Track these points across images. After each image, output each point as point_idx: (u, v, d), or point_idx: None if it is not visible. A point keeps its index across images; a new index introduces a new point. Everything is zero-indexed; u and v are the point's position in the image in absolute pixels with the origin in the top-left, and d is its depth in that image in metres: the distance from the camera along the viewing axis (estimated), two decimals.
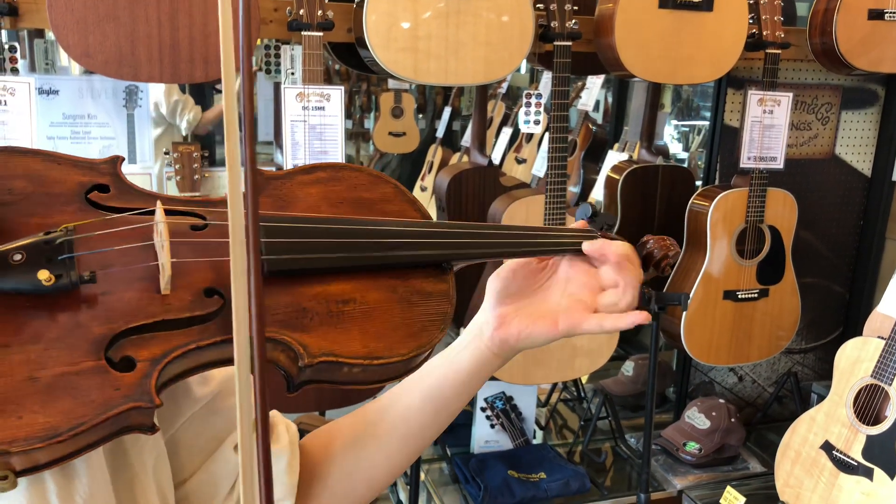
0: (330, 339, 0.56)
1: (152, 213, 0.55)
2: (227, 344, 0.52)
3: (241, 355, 0.37)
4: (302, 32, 1.63)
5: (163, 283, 0.52)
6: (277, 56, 1.99)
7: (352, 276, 0.59)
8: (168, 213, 0.55)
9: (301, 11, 1.62)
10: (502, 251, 0.70)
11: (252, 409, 0.38)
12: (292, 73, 1.80)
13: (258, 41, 2.05)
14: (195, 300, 0.53)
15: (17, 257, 0.48)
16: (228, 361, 0.54)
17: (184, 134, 3.46)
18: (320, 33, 1.64)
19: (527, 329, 0.70)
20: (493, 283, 0.72)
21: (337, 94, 1.67)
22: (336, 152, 1.70)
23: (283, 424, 0.73)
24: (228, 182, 0.37)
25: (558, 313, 0.70)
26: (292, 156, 1.64)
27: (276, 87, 2.11)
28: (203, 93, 3.42)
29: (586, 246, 0.70)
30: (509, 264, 0.72)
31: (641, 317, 0.68)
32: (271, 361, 0.56)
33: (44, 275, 0.48)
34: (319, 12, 1.63)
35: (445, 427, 0.75)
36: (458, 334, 0.76)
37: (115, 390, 0.48)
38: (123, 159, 0.59)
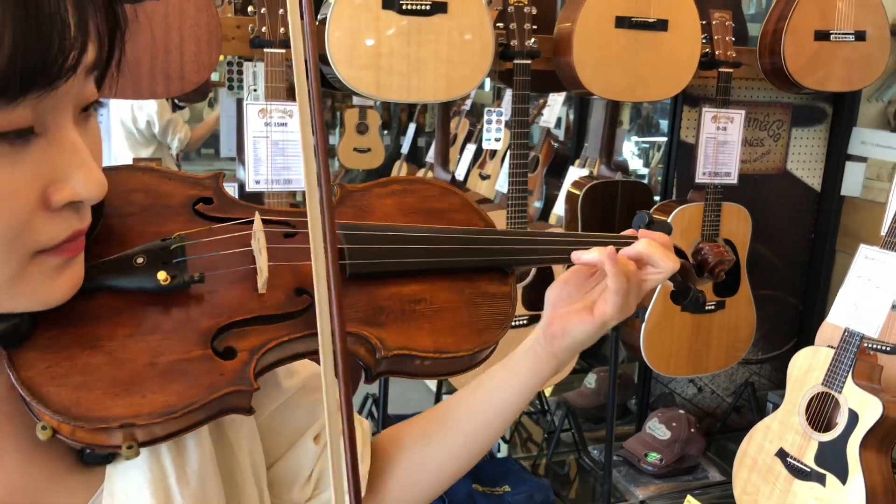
0: (404, 334, 0.63)
1: (250, 222, 0.62)
2: (313, 337, 0.59)
3: (326, 347, 0.43)
4: (264, 49, 1.64)
5: (260, 283, 0.59)
6: (240, 73, 1.99)
7: (423, 279, 0.66)
8: (264, 222, 0.62)
9: (263, 29, 1.64)
10: (559, 257, 0.76)
11: (338, 404, 0.43)
12: (255, 90, 1.81)
13: (220, 57, 2.05)
14: (287, 299, 0.60)
15: (140, 260, 0.56)
16: (314, 353, 0.60)
17: (174, 153, 3.45)
18: (283, 50, 1.65)
19: (569, 324, 0.75)
20: (549, 293, 0.79)
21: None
22: (299, 169, 1.71)
23: (357, 419, 0.78)
24: (307, 195, 0.44)
25: (594, 305, 0.75)
26: (254, 172, 1.65)
27: (239, 103, 2.11)
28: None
29: (574, 257, 0.75)
30: (563, 274, 0.78)
31: (607, 257, 0.72)
32: (352, 354, 0.62)
33: (162, 275, 0.55)
34: (282, 30, 1.65)
35: (507, 427, 0.81)
36: None
37: (220, 375, 0.55)
38: (224, 175, 0.66)
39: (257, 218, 0.61)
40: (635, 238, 0.78)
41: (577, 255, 0.75)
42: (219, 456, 0.63)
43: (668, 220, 2.10)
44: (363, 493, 0.76)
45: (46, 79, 0.44)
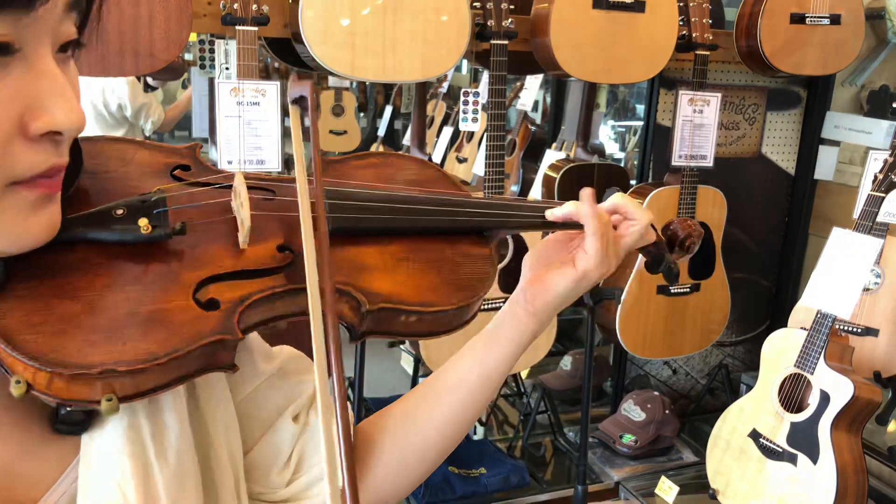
0: (387, 289, 0.63)
1: (229, 187, 0.62)
2: (297, 294, 0.59)
3: (314, 294, 0.45)
4: (236, 27, 1.61)
5: (242, 236, 0.58)
6: (212, 51, 1.95)
7: (405, 239, 0.67)
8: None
9: (235, 6, 1.60)
10: (533, 218, 0.76)
11: (323, 353, 0.43)
12: (227, 69, 1.77)
13: (193, 36, 2.01)
14: (269, 255, 0.60)
15: (119, 212, 0.56)
16: (298, 314, 0.61)
17: (146, 134, 3.39)
18: (255, 28, 1.61)
19: (551, 279, 0.74)
20: (529, 255, 0.79)
21: (273, 89, 1.65)
22: (272, 149, 1.68)
23: None
24: (294, 149, 0.48)
25: (575, 258, 0.74)
26: (226, 152, 1.62)
27: (211, 82, 2.07)
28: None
29: (548, 214, 0.75)
30: (541, 241, 0.79)
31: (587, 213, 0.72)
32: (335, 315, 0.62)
33: (143, 222, 0.55)
34: (254, 7, 1.61)
35: (492, 397, 0.80)
36: None
37: (204, 324, 0.54)
38: (201, 146, 0.67)
39: (238, 174, 0.62)
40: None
41: (551, 212, 0.75)
42: (196, 438, 0.62)
43: (644, 203, 2.10)
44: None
45: None
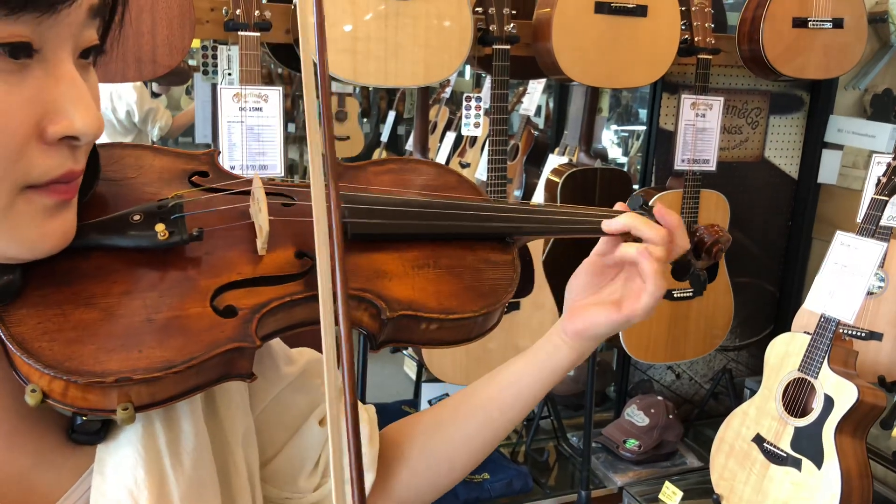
0: (408, 295, 0.61)
1: (247, 192, 0.61)
2: (316, 301, 0.59)
3: (326, 305, 0.42)
4: (239, 33, 1.61)
5: (260, 243, 0.57)
6: (215, 57, 1.96)
7: (425, 244, 0.65)
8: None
9: (238, 11, 1.61)
10: (558, 227, 0.76)
11: (339, 376, 0.42)
12: (229, 74, 1.78)
13: (196, 42, 2.02)
14: (287, 261, 0.59)
15: (136, 217, 0.55)
16: (318, 322, 0.60)
17: (154, 140, 3.40)
18: (257, 34, 1.62)
19: (594, 317, 0.73)
20: (570, 283, 0.78)
21: (275, 94, 1.65)
22: (275, 154, 1.68)
23: (360, 406, 0.77)
24: (310, 154, 0.44)
25: (623, 300, 0.73)
26: (229, 157, 1.62)
27: (214, 88, 2.08)
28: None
29: (605, 224, 0.73)
30: (582, 265, 0.77)
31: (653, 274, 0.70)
32: (355, 323, 0.61)
33: (160, 227, 0.54)
34: (257, 12, 1.62)
35: (523, 416, 0.79)
36: None
37: (221, 332, 0.53)
38: (219, 152, 0.66)
39: (256, 178, 0.60)
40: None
41: (607, 224, 0.73)
42: (214, 446, 0.61)
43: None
44: (373, 479, 0.74)
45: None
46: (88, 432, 0.54)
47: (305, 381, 0.72)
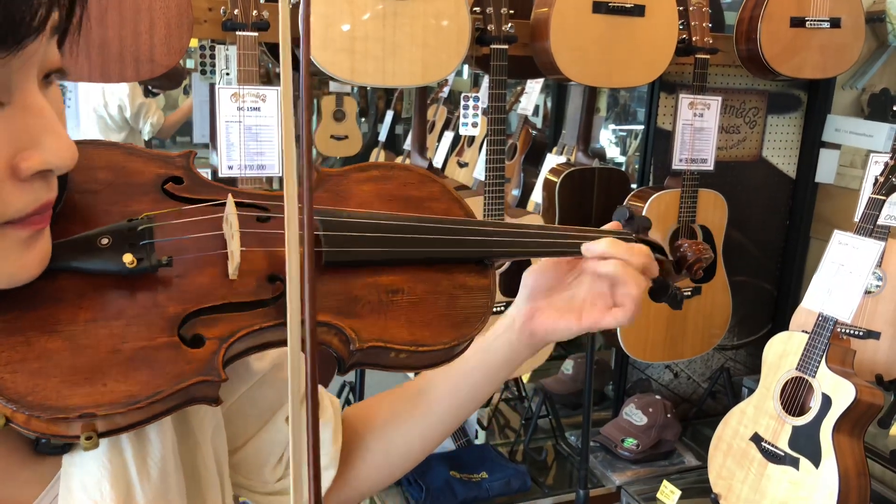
0: (380, 326, 0.60)
1: (222, 205, 0.59)
2: (286, 327, 0.57)
3: (294, 334, 0.41)
4: (237, 33, 1.61)
5: (231, 269, 0.56)
6: (212, 57, 1.96)
7: (401, 269, 0.64)
8: (237, 205, 0.59)
9: (236, 11, 1.60)
10: (538, 251, 0.74)
11: (302, 383, 0.41)
12: (227, 74, 1.78)
13: (193, 42, 2.02)
14: (259, 285, 0.57)
15: (104, 241, 0.53)
16: (285, 342, 0.59)
17: (146, 138, 3.40)
18: (255, 33, 1.62)
19: (553, 324, 0.74)
20: (527, 278, 0.77)
21: (273, 94, 1.65)
22: (273, 154, 1.68)
23: (328, 398, 0.79)
24: (285, 180, 0.41)
25: (583, 309, 0.74)
26: (227, 157, 1.62)
27: (212, 88, 2.08)
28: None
29: (585, 248, 0.73)
30: (543, 260, 0.77)
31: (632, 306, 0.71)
32: (325, 344, 0.60)
33: (128, 258, 0.53)
34: (255, 12, 1.62)
35: (477, 408, 0.81)
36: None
37: (187, 364, 0.52)
38: (196, 153, 0.63)
39: (230, 200, 0.58)
40: (623, 232, 0.77)
41: (587, 248, 0.72)
42: (182, 447, 0.62)
43: (644, 211, 2.10)
44: (333, 475, 0.76)
45: (15, 37, 0.42)
46: (55, 446, 0.54)
47: (276, 373, 0.73)
